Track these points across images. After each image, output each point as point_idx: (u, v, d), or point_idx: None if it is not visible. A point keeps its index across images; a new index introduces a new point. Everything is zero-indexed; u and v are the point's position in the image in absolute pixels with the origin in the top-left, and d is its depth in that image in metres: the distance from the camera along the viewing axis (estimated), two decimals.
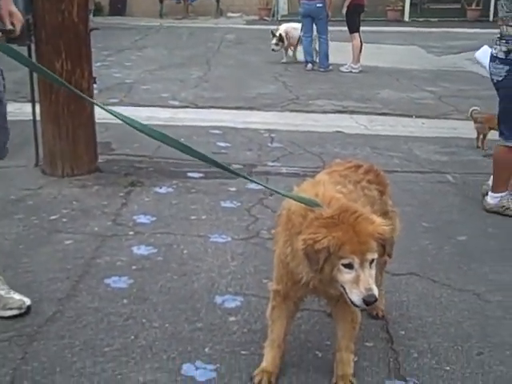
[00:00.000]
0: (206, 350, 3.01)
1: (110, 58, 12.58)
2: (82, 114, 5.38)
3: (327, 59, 12.04)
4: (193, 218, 4.66)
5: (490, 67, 4.92)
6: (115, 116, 2.50)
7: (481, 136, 7.02)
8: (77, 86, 5.21)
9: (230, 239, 4.31)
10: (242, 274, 3.80)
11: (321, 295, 2.74)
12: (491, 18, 22.84)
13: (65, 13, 5.16)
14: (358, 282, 2.36)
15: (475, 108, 7.25)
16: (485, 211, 5.04)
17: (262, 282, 3.58)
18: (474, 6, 23.06)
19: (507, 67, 4.74)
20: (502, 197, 5.01)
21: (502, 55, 4.76)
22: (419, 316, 3.44)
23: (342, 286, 2.41)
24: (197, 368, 2.87)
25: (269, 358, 2.81)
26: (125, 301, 3.42)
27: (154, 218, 4.61)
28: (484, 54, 5.57)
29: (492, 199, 5.04)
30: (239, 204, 4.94)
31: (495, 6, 22.86)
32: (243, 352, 3.01)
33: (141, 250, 4.06)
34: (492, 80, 4.93)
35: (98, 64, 11.35)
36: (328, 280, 2.45)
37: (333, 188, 2.67)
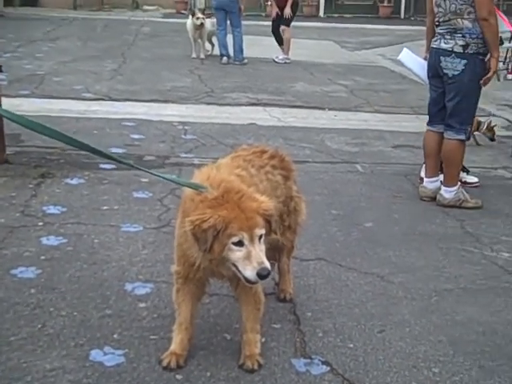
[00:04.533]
0: (115, 335, 3.03)
1: (21, 49, 12.23)
2: None
3: (242, 52, 12.16)
4: (104, 208, 4.64)
5: (441, 62, 4.89)
6: None
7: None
8: None
9: (141, 228, 4.32)
10: (153, 262, 3.82)
11: (218, 277, 2.80)
12: (402, 16, 23.64)
13: None
14: (250, 258, 2.45)
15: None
16: (441, 206, 5.07)
17: None
18: (385, 3, 23.73)
19: (465, 61, 4.79)
20: (456, 191, 5.07)
21: (459, 49, 4.79)
22: (326, 298, 3.56)
23: (235, 265, 2.50)
24: (105, 353, 2.88)
25: (177, 341, 2.85)
26: (32, 290, 3.38)
27: (65, 209, 4.55)
28: (407, 56, 5.65)
29: (448, 193, 5.07)
30: (151, 194, 4.94)
31: (406, 4, 23.72)
32: (152, 337, 3.04)
33: (50, 241, 4.01)
34: (445, 74, 4.91)
35: (8, 55, 11.08)
36: (219, 260, 2.53)
37: (229, 171, 2.75)
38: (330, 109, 8.74)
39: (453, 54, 4.84)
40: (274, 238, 3.01)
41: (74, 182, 5.14)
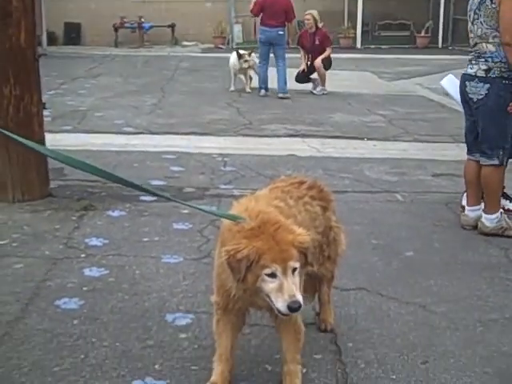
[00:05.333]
0: (157, 366, 3.04)
1: (64, 86, 12.55)
2: (32, 140, 5.30)
3: (286, 84, 12.17)
4: (145, 239, 4.69)
5: (466, 86, 4.93)
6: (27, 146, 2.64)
7: None
8: (26, 112, 5.27)
9: (181, 259, 4.35)
10: (194, 293, 3.84)
11: (257, 307, 2.80)
12: (440, 45, 23.57)
13: (12, 39, 5.19)
14: (282, 290, 2.45)
15: None
16: (483, 235, 4.97)
17: None
18: (423, 34, 23.70)
19: (487, 85, 4.78)
20: (498, 218, 4.99)
21: (481, 73, 4.79)
22: (367, 328, 3.52)
23: (268, 296, 2.50)
24: None
25: (218, 372, 2.85)
26: (75, 321, 3.42)
27: (107, 241, 4.62)
28: (451, 82, 5.64)
29: (489, 222, 4.97)
30: (191, 225, 4.98)
31: (443, 34, 23.66)
32: (193, 367, 3.05)
33: (92, 272, 4.07)
34: (470, 99, 4.93)
35: (52, 92, 11.37)
36: (253, 290, 2.55)
37: (267, 202, 2.78)
38: (368, 139, 8.73)
39: (476, 79, 4.85)
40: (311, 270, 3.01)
41: (116, 214, 5.21)
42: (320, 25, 12.64)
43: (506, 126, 4.89)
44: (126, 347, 3.20)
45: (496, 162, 4.93)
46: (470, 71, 4.93)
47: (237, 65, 12.55)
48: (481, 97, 4.85)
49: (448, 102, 11.91)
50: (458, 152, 7.51)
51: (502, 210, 5.11)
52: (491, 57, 4.76)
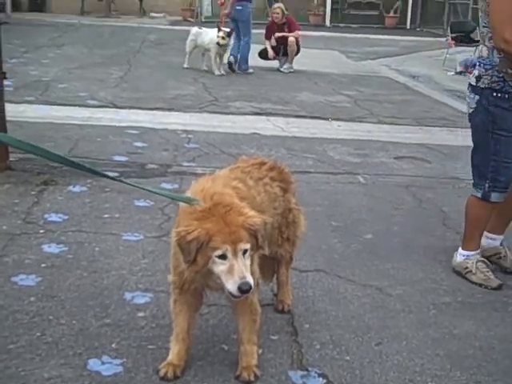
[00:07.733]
0: (113, 345, 3.05)
1: (27, 55, 12.30)
2: None
3: (246, 63, 12.13)
4: (106, 216, 4.66)
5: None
6: None
7: None
8: None
9: (142, 237, 4.34)
10: (153, 271, 3.84)
11: (211, 289, 2.81)
12: (408, 26, 23.66)
13: None
14: (233, 272, 2.49)
15: None
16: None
17: None
18: (391, 14, 23.76)
19: (477, 97, 3.87)
20: (467, 257, 4.13)
21: (473, 81, 3.91)
22: (324, 310, 3.58)
23: (219, 278, 2.53)
24: (103, 363, 2.90)
25: (174, 351, 2.87)
26: (32, 298, 3.40)
27: (66, 217, 4.58)
28: None
29: (458, 256, 4.18)
30: (153, 203, 4.96)
31: (412, 14, 23.74)
32: (150, 346, 3.06)
33: (51, 248, 4.04)
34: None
35: (14, 61, 11.15)
36: (205, 273, 2.57)
37: (225, 183, 2.78)
38: (333, 119, 8.76)
39: (470, 87, 3.97)
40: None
41: (77, 189, 5.17)
42: (286, 13, 12.85)
43: (497, 153, 3.89)
44: (83, 325, 3.20)
45: (478, 194, 4.03)
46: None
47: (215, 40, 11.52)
48: (471, 110, 3.96)
49: (413, 85, 12.04)
50: (420, 135, 7.63)
51: (478, 252, 4.18)
52: (483, 63, 3.84)
